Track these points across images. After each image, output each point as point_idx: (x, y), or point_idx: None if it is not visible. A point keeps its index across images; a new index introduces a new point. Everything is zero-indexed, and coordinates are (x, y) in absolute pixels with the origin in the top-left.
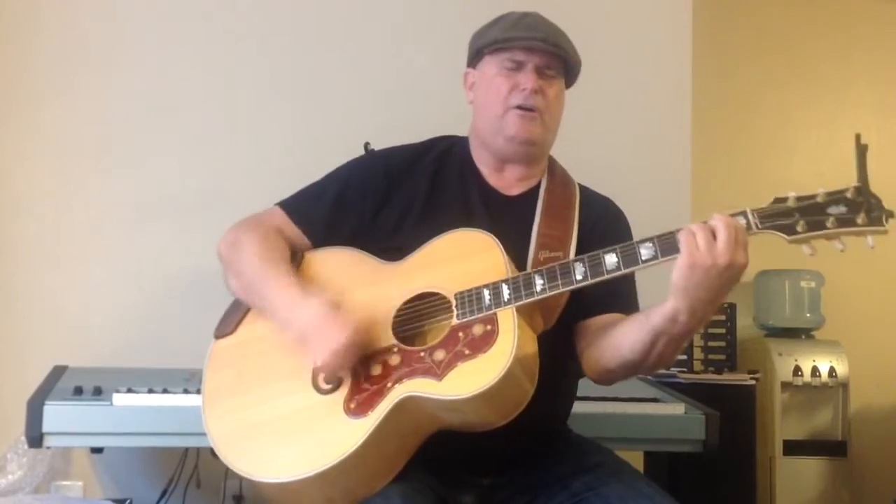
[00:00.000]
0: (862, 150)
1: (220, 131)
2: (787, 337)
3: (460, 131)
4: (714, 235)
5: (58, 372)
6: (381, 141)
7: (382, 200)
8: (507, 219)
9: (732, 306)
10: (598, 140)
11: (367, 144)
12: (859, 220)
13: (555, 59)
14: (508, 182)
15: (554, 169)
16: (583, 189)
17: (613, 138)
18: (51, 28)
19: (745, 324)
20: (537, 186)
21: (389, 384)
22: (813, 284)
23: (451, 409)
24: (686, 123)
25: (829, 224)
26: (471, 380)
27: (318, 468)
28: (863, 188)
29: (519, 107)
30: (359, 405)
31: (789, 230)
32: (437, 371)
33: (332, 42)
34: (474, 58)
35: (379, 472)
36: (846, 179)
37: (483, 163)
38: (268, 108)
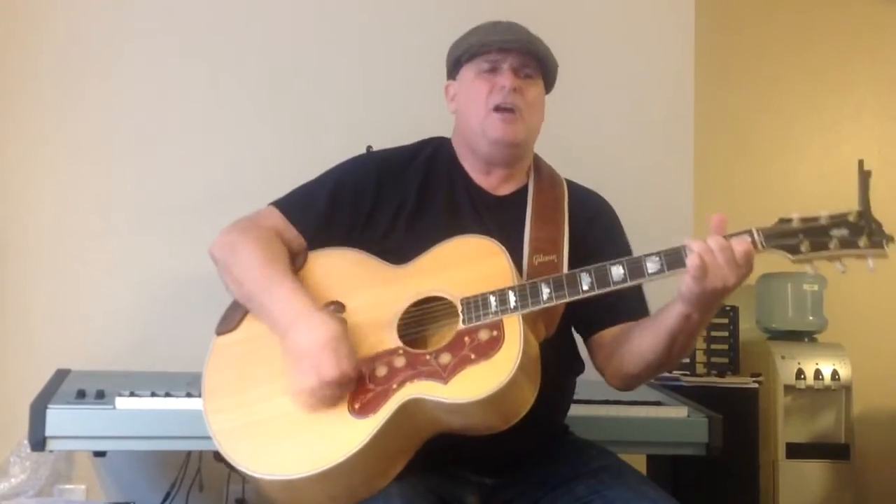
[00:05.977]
0: (864, 177)
1: (222, 134)
2: (789, 340)
3: None
4: (720, 254)
5: (60, 375)
6: (382, 142)
7: (374, 201)
8: (497, 220)
9: (735, 309)
10: (602, 145)
11: (369, 147)
12: (861, 243)
13: (531, 59)
14: (495, 183)
15: (540, 168)
16: (570, 185)
17: (617, 144)
18: (54, 31)
19: (747, 327)
20: (525, 187)
21: (395, 386)
22: (815, 287)
23: (455, 412)
24: (688, 129)
25: (832, 245)
26: (476, 384)
27: (323, 466)
28: (865, 213)
29: (498, 106)
30: (363, 405)
31: (793, 250)
32: (443, 374)
33: (333, 43)
34: (453, 68)
35: (381, 472)
36: (848, 184)
37: (469, 165)
38: (268, 110)
